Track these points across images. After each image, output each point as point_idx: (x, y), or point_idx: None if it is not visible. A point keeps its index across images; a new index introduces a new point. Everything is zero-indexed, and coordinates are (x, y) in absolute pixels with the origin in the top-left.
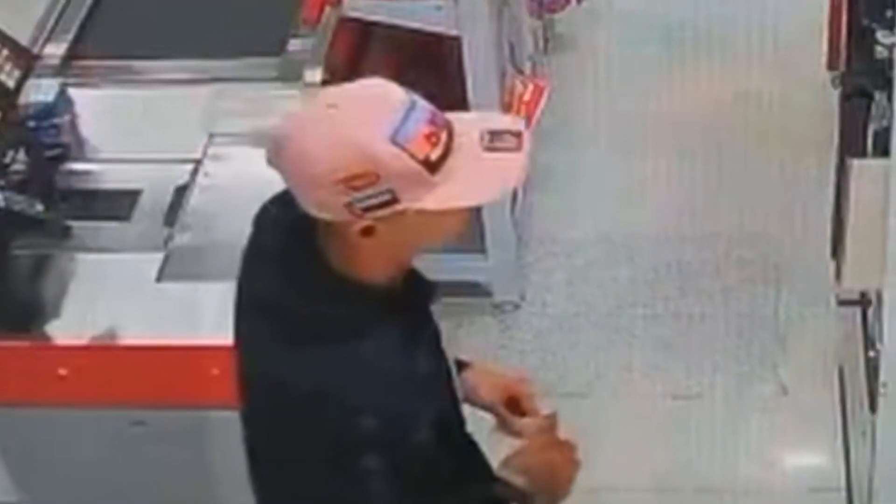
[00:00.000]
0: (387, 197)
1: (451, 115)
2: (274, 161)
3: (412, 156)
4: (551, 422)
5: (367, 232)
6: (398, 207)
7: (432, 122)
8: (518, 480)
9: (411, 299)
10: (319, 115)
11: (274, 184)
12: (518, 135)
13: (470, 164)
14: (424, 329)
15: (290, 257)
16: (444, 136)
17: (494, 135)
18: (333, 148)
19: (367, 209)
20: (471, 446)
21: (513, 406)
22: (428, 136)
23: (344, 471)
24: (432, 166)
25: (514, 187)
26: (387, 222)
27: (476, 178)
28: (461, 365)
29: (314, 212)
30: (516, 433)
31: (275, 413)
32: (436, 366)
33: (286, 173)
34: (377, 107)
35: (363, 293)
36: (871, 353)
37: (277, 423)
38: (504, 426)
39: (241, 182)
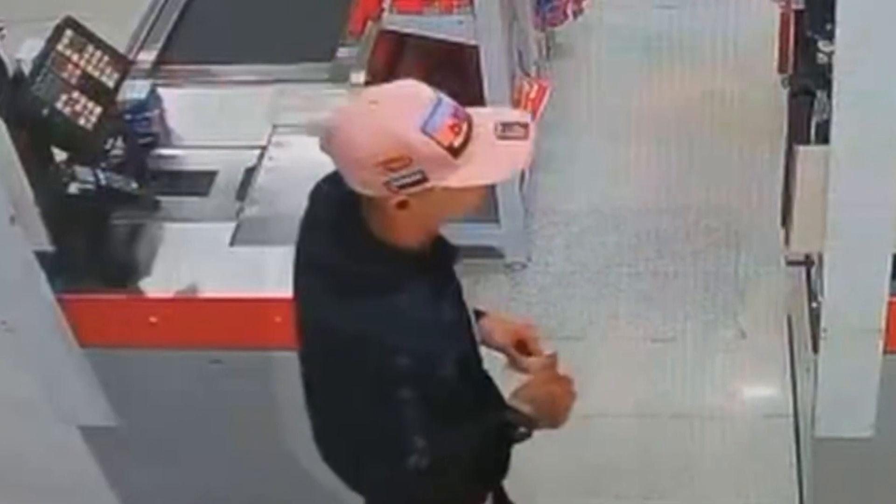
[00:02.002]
0: (418, 177)
1: (471, 110)
2: (326, 147)
3: (439, 143)
4: (552, 360)
5: (402, 205)
6: (427, 185)
7: (455, 115)
8: (525, 408)
9: (438, 260)
10: (363, 110)
11: (326, 166)
12: (525, 126)
13: (486, 150)
14: (449, 284)
15: (338, 226)
16: (465, 126)
17: (506, 126)
18: (374, 136)
19: (402, 187)
20: (487, 381)
21: (521, 347)
22: (452, 127)
23: (383, 400)
24: (455, 152)
25: (522, 169)
26: (418, 197)
27: (491, 161)
28: (478, 314)
29: (358, 189)
30: (524, 370)
31: (326, 353)
32: (458, 314)
33: (335, 157)
34: (410, 103)
35: (398, 255)
36: (814, 304)
37: (328, 362)
38: (514, 364)
39: (299, 164)
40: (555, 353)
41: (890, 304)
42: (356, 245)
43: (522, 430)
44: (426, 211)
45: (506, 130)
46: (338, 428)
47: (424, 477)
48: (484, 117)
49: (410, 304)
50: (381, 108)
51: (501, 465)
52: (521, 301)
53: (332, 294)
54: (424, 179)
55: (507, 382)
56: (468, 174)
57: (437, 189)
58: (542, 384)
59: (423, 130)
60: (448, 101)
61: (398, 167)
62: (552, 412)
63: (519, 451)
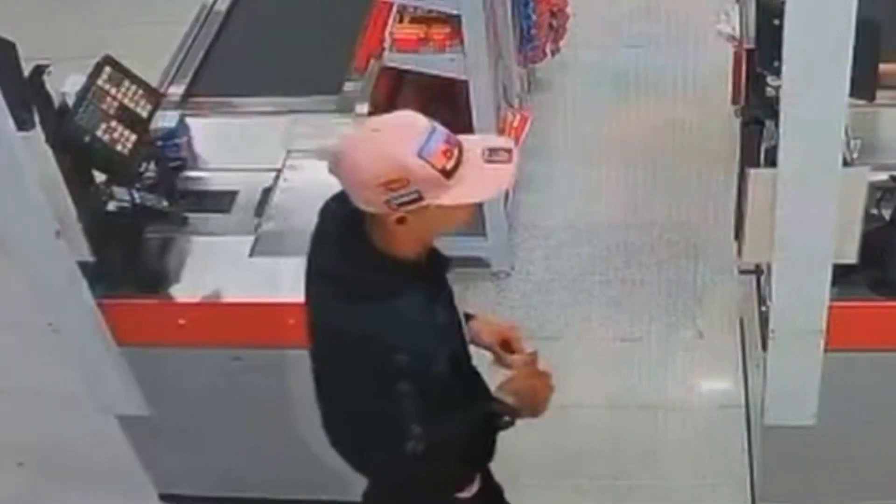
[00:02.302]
0: (415, 196)
1: (461, 137)
2: (333, 170)
3: (433, 166)
4: (533, 358)
5: (401, 221)
6: (423, 203)
7: (447, 142)
8: (509, 400)
9: (432, 269)
10: (366, 137)
11: (334, 186)
12: (509, 151)
13: (475, 172)
14: (441, 290)
15: (345, 239)
16: (456, 152)
17: (492, 151)
18: (376, 160)
19: (401, 205)
20: (475, 375)
21: (505, 346)
22: (444, 152)
23: (384, 393)
24: (448, 174)
25: (506, 189)
26: (415, 214)
27: (479, 182)
28: (468, 316)
29: (363, 207)
30: (508, 366)
31: (334, 351)
32: (450, 317)
33: (342, 179)
34: (408, 130)
35: (398, 265)
36: (763, 308)
37: (336, 359)
38: (499, 361)
39: (311, 185)
40: (535, 351)
41: (830, 308)
42: (361, 256)
43: (507, 419)
44: (422, 226)
45: (492, 155)
46: (344, 417)
47: (420, 460)
48: (473, 143)
49: (408, 308)
50: (382, 135)
51: (488, 450)
52: (506, 305)
53: (339, 299)
54: (420, 198)
55: (494, 377)
56: (459, 194)
57: (431, 207)
58: (525, 378)
59: (420, 155)
60: (441, 129)
61: (397, 187)
62: (533, 403)
63: (503, 438)
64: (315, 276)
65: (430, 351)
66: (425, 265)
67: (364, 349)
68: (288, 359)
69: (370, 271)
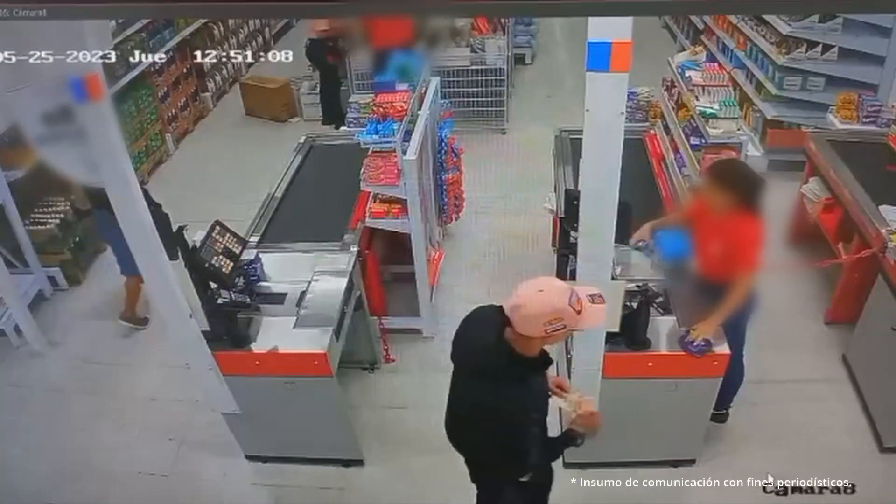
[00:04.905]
0: (562, 325)
1: (575, 287)
2: (510, 312)
3: (574, 309)
4: (584, 400)
5: (543, 339)
6: (566, 329)
7: (578, 295)
8: (581, 430)
9: (543, 362)
10: (535, 295)
11: (337, 292)
12: (601, 296)
13: (589, 309)
14: (543, 373)
15: (497, 347)
16: (580, 299)
17: (594, 297)
18: (542, 309)
19: (554, 331)
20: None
21: (560, 388)
22: (577, 301)
23: (519, 431)
24: (579, 312)
25: (604, 321)
26: (553, 334)
27: (592, 315)
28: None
29: (523, 332)
30: (563, 398)
31: (477, 410)
32: (545, 383)
33: (516, 318)
34: (560, 292)
35: (528, 360)
36: (568, 356)
37: (476, 418)
38: (557, 395)
39: (325, 290)
40: (590, 397)
41: (604, 355)
42: (508, 356)
43: (580, 440)
44: (550, 340)
45: (594, 299)
46: (481, 440)
47: (535, 467)
48: (582, 292)
49: (532, 383)
50: (545, 294)
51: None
52: (431, 356)
53: (492, 381)
54: (565, 326)
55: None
56: (584, 322)
57: (565, 329)
58: (585, 417)
59: (569, 303)
60: (573, 289)
61: (553, 321)
62: (593, 429)
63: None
64: (468, 368)
65: (540, 407)
66: (540, 360)
67: (507, 408)
68: (314, 382)
69: (515, 365)
